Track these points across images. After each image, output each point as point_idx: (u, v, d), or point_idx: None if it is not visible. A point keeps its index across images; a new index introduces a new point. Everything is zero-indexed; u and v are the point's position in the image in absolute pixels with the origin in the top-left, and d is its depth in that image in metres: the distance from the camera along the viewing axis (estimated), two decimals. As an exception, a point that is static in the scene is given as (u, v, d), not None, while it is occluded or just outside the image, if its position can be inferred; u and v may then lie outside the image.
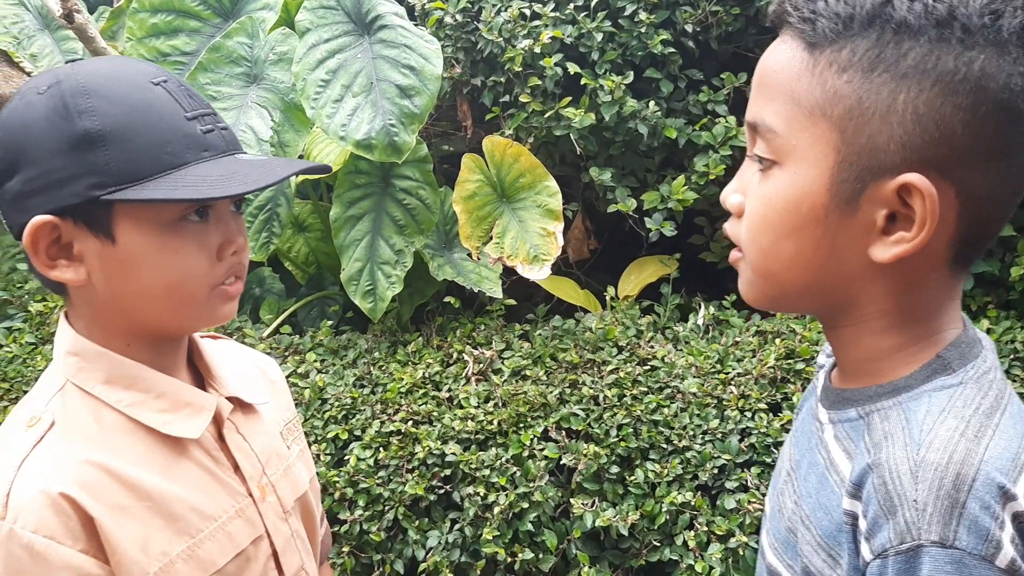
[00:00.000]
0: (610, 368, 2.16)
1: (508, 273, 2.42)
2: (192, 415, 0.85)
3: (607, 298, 2.47)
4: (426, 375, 2.20)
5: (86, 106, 0.75)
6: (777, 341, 2.22)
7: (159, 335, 0.85)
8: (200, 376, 0.92)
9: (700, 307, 2.45)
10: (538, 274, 2.14)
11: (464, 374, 2.20)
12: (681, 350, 2.26)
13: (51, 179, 0.75)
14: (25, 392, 2.24)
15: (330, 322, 2.42)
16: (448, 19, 2.45)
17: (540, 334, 2.32)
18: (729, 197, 0.71)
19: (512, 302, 2.39)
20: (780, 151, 0.65)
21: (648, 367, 2.18)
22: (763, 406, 2.01)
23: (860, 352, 0.69)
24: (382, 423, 2.07)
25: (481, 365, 2.21)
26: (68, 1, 2.20)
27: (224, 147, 0.81)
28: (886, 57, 0.59)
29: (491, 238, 2.20)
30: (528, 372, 2.18)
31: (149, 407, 0.82)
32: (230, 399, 0.91)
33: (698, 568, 1.81)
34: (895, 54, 0.59)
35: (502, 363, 2.22)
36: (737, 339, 2.29)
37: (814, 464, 0.70)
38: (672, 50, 2.42)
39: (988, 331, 2.21)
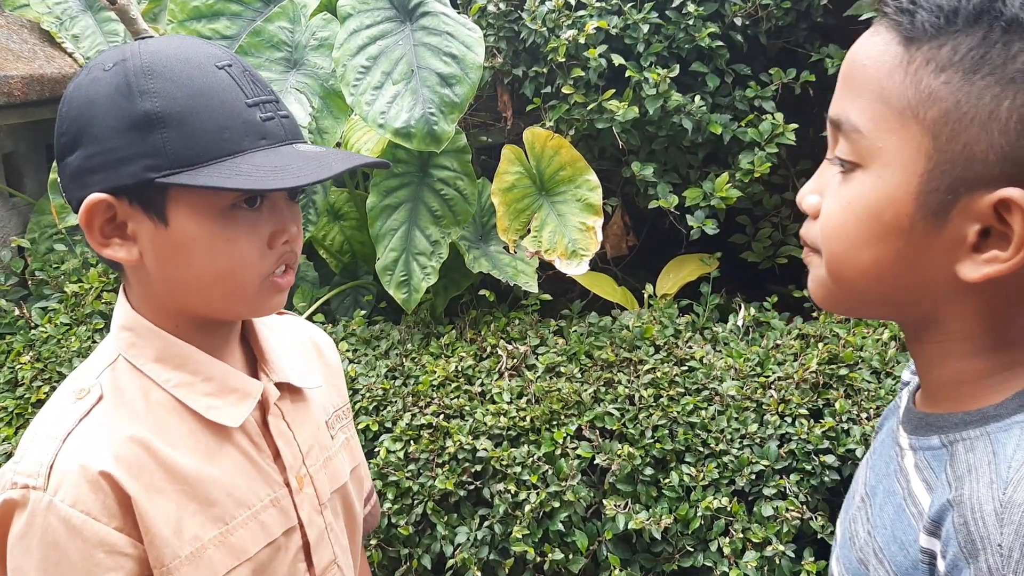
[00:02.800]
0: (647, 368, 2.11)
1: (544, 268, 2.38)
2: (237, 401, 0.84)
3: (645, 296, 2.42)
4: (459, 368, 2.16)
5: (148, 87, 0.74)
6: (820, 345, 2.15)
7: (209, 319, 0.84)
8: (253, 356, 0.92)
9: (740, 308, 2.39)
10: (576, 270, 2.09)
11: (497, 369, 2.17)
12: (720, 351, 2.21)
13: (110, 157, 0.75)
14: (59, 372, 2.25)
15: (363, 312, 2.40)
16: (491, 7, 2.41)
17: (575, 331, 2.28)
18: (806, 198, 0.66)
19: (548, 297, 2.35)
20: (864, 153, 0.59)
21: (686, 368, 2.13)
22: (804, 412, 1.96)
23: (945, 374, 0.63)
24: (413, 416, 2.05)
25: (515, 360, 2.17)
26: (111, -18, 2.19)
27: (283, 135, 0.79)
28: (992, 58, 0.54)
29: (529, 231, 2.16)
30: (562, 369, 2.14)
31: (196, 390, 0.82)
32: (279, 384, 0.90)
33: (732, 575, 1.76)
34: (1003, 55, 0.54)
35: (536, 359, 2.19)
36: (778, 342, 2.23)
37: (891, 492, 0.65)
38: (720, 43, 2.36)
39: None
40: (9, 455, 2.05)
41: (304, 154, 0.79)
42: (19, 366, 2.24)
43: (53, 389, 2.21)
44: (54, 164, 2.47)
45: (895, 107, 0.57)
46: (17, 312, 2.42)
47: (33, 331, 2.36)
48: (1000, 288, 0.58)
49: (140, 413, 0.80)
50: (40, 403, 2.18)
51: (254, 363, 0.91)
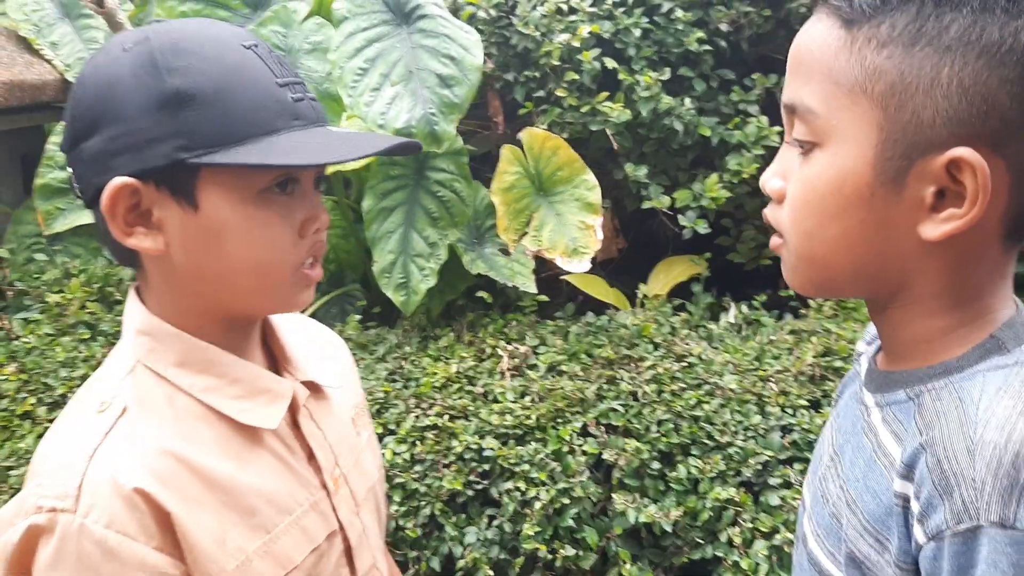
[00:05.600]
0: (647, 364, 2.13)
1: (534, 271, 2.39)
2: (269, 402, 0.80)
3: (639, 296, 2.45)
4: (460, 370, 2.16)
5: (177, 64, 0.70)
6: (813, 339, 2.20)
7: (235, 316, 0.80)
8: (273, 356, 0.87)
9: (730, 307, 2.44)
10: (578, 267, 2.12)
11: (498, 369, 2.17)
12: (716, 347, 2.24)
13: (135, 139, 0.70)
14: (44, 383, 2.18)
15: (358, 317, 2.38)
16: (481, 13, 2.44)
17: (574, 330, 2.30)
18: (769, 182, 0.69)
19: (545, 298, 2.37)
20: (820, 132, 0.63)
21: (685, 363, 2.15)
22: (804, 403, 2.00)
23: (910, 334, 0.67)
24: (417, 417, 2.03)
25: (516, 360, 2.17)
26: (99, -15, 2.17)
27: (314, 117, 0.76)
28: (928, 30, 0.58)
29: (527, 232, 2.18)
30: (564, 368, 2.15)
31: (224, 393, 0.77)
32: (305, 383, 0.86)
33: (743, 565, 1.78)
34: (937, 27, 0.58)
35: (536, 358, 2.19)
36: (772, 337, 2.27)
37: (860, 448, 0.68)
38: (707, 47, 2.42)
39: None
40: (-7, 468, 1.98)
41: (339, 135, 0.77)
42: (3, 378, 2.17)
43: (40, 401, 2.14)
44: (40, 169, 2.41)
45: (844, 86, 0.61)
46: (-3, 324, 2.35)
47: (15, 342, 2.29)
48: (958, 245, 0.62)
49: (168, 422, 0.75)
50: (27, 415, 2.12)
51: (274, 364, 0.87)
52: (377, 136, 0.80)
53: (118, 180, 0.70)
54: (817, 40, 0.63)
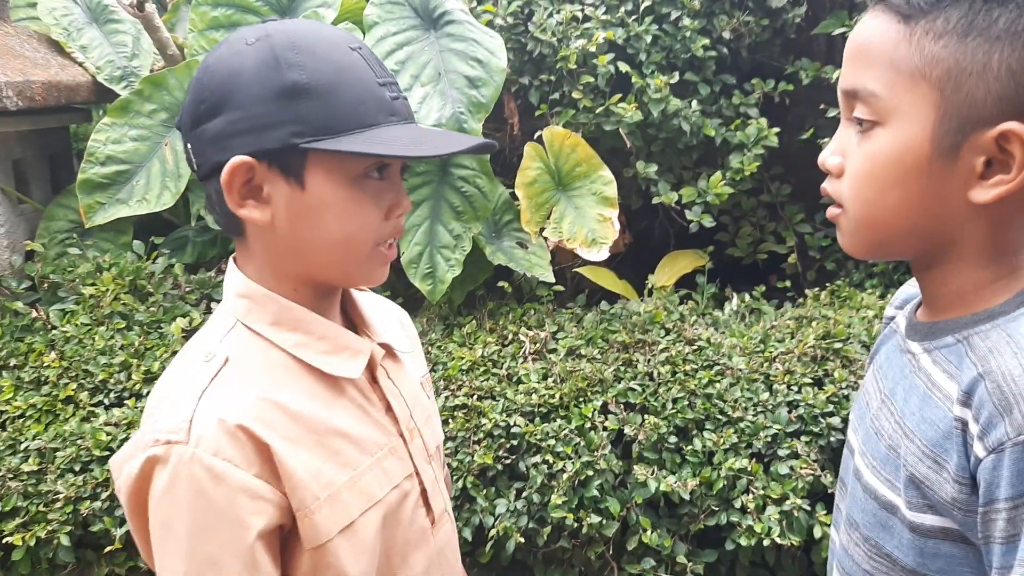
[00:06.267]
0: (661, 348, 2.28)
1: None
2: (351, 357, 0.90)
3: (648, 286, 2.60)
4: (484, 354, 2.29)
5: (295, 60, 0.81)
6: (814, 324, 2.36)
7: (321, 283, 0.91)
8: (352, 324, 0.98)
9: (733, 296, 2.59)
10: (597, 256, 2.26)
11: (521, 353, 2.30)
12: (723, 332, 2.39)
13: (255, 123, 0.80)
14: (85, 370, 2.27)
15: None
16: (498, 21, 2.59)
17: (589, 318, 2.44)
18: (828, 159, 0.78)
19: (561, 288, 2.50)
20: (882, 112, 0.72)
21: (696, 347, 2.30)
22: (808, 381, 2.15)
23: (954, 287, 0.76)
24: (447, 398, 2.15)
25: (537, 345, 2.30)
26: (140, -10, 2.28)
27: (407, 114, 0.87)
28: (978, 23, 0.68)
29: (545, 226, 2.32)
30: (583, 351, 2.28)
31: (313, 348, 0.88)
32: (382, 345, 0.97)
33: (757, 529, 1.91)
34: (987, 20, 0.68)
35: (556, 343, 2.33)
36: (774, 323, 2.43)
37: (913, 388, 0.77)
38: (712, 54, 2.59)
39: None
40: (40, 451, 2.07)
41: (429, 131, 0.87)
42: (44, 365, 2.26)
43: (81, 387, 2.23)
44: (83, 165, 2.51)
45: (905, 72, 0.71)
46: (34, 315, 2.43)
47: (53, 332, 2.38)
48: (1001, 207, 0.72)
49: (263, 373, 0.85)
50: (69, 399, 2.21)
51: (353, 328, 0.97)
52: (458, 135, 0.92)
53: (238, 158, 0.81)
54: (877, 33, 0.73)
